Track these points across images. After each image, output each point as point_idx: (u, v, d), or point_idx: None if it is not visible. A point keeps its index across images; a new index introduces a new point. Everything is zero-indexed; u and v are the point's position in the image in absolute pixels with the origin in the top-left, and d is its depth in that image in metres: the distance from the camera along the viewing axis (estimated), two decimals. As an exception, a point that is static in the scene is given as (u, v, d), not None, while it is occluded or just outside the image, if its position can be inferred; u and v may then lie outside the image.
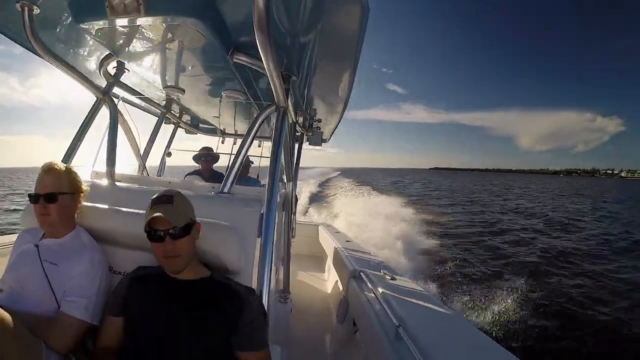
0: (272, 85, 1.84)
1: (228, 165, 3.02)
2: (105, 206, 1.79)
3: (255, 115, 2.28)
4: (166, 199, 1.40)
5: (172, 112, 3.87)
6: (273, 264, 1.98)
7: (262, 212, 1.82)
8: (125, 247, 1.67)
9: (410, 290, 2.94)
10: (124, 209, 1.74)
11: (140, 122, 3.50)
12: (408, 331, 1.90)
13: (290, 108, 2.35)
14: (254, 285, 1.64)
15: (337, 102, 3.14)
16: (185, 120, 4.38)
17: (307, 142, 4.63)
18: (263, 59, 1.50)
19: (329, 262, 4.67)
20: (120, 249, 1.68)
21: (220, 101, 3.03)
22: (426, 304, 2.66)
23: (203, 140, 4.86)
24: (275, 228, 2.69)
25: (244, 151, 2.10)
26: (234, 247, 1.61)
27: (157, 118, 3.73)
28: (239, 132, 4.64)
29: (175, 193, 1.43)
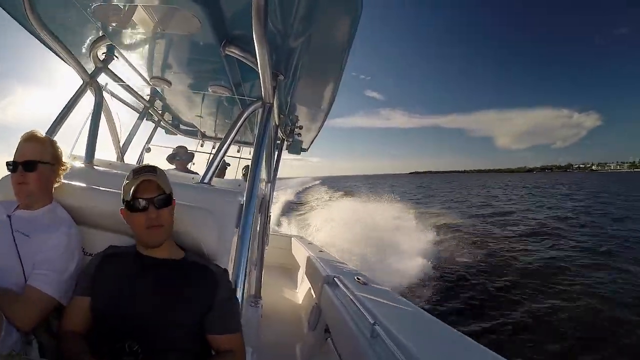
0: (261, 80, 1.90)
1: (208, 161, 3.04)
2: (84, 184, 1.76)
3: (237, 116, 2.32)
4: (150, 168, 1.39)
5: (155, 108, 3.87)
6: (249, 261, 2.00)
7: (241, 202, 1.82)
8: (100, 228, 1.63)
9: (384, 293, 3.01)
10: (102, 188, 1.70)
11: (122, 118, 3.52)
12: (384, 328, 1.89)
13: (275, 108, 2.42)
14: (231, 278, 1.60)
15: (320, 109, 3.24)
16: (167, 120, 4.38)
17: (287, 151, 4.71)
18: (257, 51, 1.57)
19: (302, 273, 4.65)
20: (95, 231, 1.63)
21: (204, 98, 3.08)
22: (400, 305, 2.74)
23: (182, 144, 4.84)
24: (252, 232, 2.73)
25: (227, 143, 2.13)
26: (211, 232, 1.58)
27: (139, 114, 3.71)
28: (219, 136, 4.65)
29: (156, 166, 1.44)
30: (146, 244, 1.36)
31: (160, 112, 4.05)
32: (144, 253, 1.37)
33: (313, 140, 4.48)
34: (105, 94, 2.78)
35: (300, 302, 4.47)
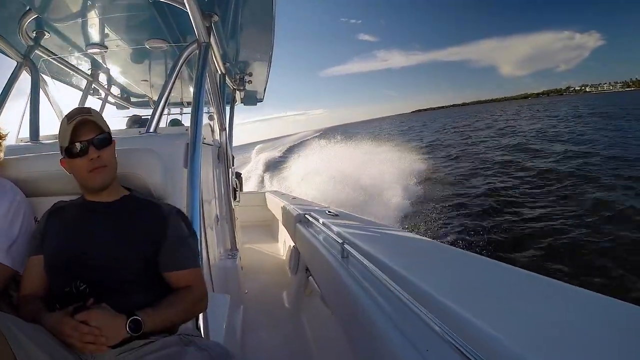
0: (192, 21, 1.95)
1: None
2: (28, 155, 1.72)
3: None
4: (84, 109, 1.32)
5: (100, 82, 3.80)
6: (205, 202, 2.08)
7: (187, 142, 1.80)
8: (52, 194, 1.57)
9: (355, 219, 3.19)
10: (47, 153, 1.68)
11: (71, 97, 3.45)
12: (354, 246, 1.90)
13: (214, 48, 2.46)
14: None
15: (263, 53, 3.29)
16: (115, 94, 4.31)
17: (242, 103, 4.76)
18: None
19: (280, 226, 4.68)
20: (46, 198, 1.56)
21: (145, 59, 3.06)
22: (371, 227, 2.91)
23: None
24: (214, 184, 2.81)
25: (168, 89, 2.13)
26: (157, 170, 1.55)
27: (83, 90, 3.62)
28: (172, 101, 4.59)
29: (89, 107, 1.40)
30: (92, 188, 1.31)
31: (106, 86, 3.98)
32: (89, 199, 1.33)
33: (266, 87, 4.51)
34: (46, 76, 2.76)
35: (281, 252, 4.58)
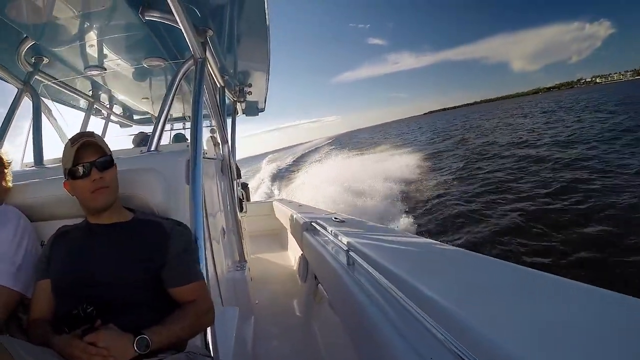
0: (186, 38, 1.96)
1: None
2: (33, 180, 1.75)
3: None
4: (86, 133, 1.35)
5: (102, 102, 3.84)
6: (210, 215, 2.07)
7: (188, 159, 1.81)
8: (56, 217, 1.60)
9: (361, 225, 3.18)
10: (52, 177, 1.69)
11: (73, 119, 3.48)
12: (360, 253, 1.91)
13: (211, 62, 2.47)
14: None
15: (260, 63, 3.30)
16: (117, 113, 4.35)
17: (244, 114, 4.78)
18: (172, 7, 1.62)
19: (288, 234, 4.65)
20: (52, 222, 1.59)
21: (144, 77, 3.09)
22: (376, 232, 2.89)
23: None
24: (219, 198, 2.82)
25: (167, 105, 2.15)
26: (159, 189, 1.56)
27: (85, 111, 3.67)
28: (174, 116, 4.64)
29: (92, 131, 1.42)
30: (94, 209, 1.33)
31: (107, 105, 4.02)
32: (92, 222, 1.36)
33: (266, 96, 4.53)
34: (47, 99, 2.79)
35: (291, 261, 4.56)
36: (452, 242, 7.33)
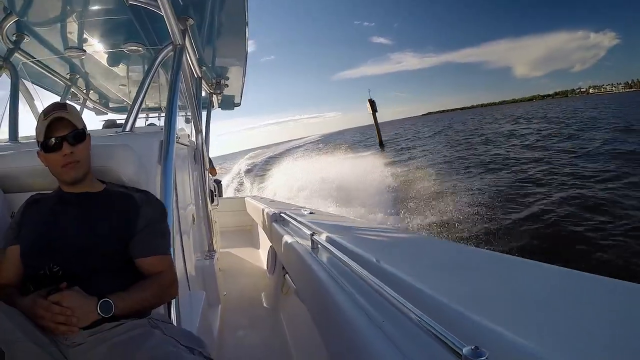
0: (167, 23, 2.05)
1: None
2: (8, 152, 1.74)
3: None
4: (60, 105, 1.35)
5: (78, 87, 3.87)
6: (181, 201, 2.11)
7: (161, 139, 1.87)
8: (30, 189, 1.57)
9: (329, 216, 3.30)
10: (25, 149, 1.68)
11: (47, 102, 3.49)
12: (324, 237, 1.97)
13: (190, 51, 2.58)
14: None
15: (237, 56, 3.44)
16: (94, 99, 4.38)
17: (220, 108, 4.89)
18: None
19: (260, 230, 4.68)
20: (27, 194, 1.53)
21: (123, 63, 3.15)
22: (342, 221, 3.04)
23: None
24: (191, 185, 2.90)
25: (143, 91, 2.21)
26: (131, 164, 1.60)
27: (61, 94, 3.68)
28: (150, 106, 4.67)
29: (66, 102, 1.45)
30: (65, 182, 1.36)
31: (84, 91, 4.05)
32: (65, 191, 1.38)
33: (242, 91, 4.64)
34: (26, 82, 2.83)
35: (261, 256, 4.59)
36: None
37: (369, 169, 14.83)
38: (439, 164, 18.23)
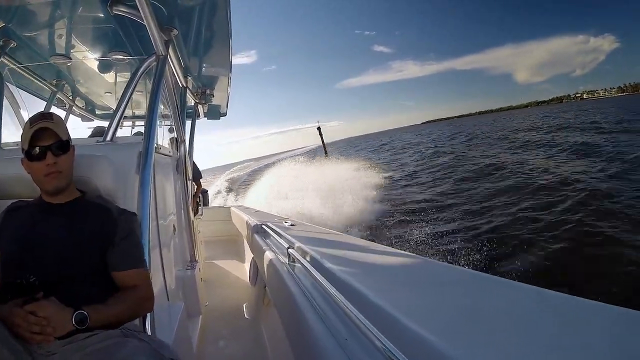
0: (150, 34, 2.11)
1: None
2: None
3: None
4: (46, 115, 1.39)
5: (65, 94, 3.90)
6: (161, 210, 2.13)
7: (140, 150, 1.87)
8: (12, 196, 1.56)
9: (309, 228, 3.32)
10: (8, 156, 1.68)
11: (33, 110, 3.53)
12: (300, 251, 1.98)
13: (175, 61, 2.64)
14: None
15: (222, 66, 3.51)
16: (80, 106, 4.40)
17: (206, 118, 4.96)
18: (139, 6, 1.80)
19: (244, 240, 4.59)
20: (7, 201, 1.53)
21: (109, 70, 3.20)
22: (321, 234, 3.03)
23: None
24: (175, 195, 2.93)
25: (125, 100, 2.24)
26: (108, 175, 1.62)
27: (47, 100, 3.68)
28: (137, 114, 4.71)
29: (52, 112, 1.49)
30: (47, 191, 1.38)
31: (70, 97, 4.08)
32: (46, 200, 1.40)
33: (228, 101, 4.69)
34: (11, 86, 2.85)
35: (245, 267, 4.56)
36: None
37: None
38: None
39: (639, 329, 0.87)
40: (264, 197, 14.07)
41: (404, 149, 39.75)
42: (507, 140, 27.24)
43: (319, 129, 39.97)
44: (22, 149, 1.34)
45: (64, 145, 1.36)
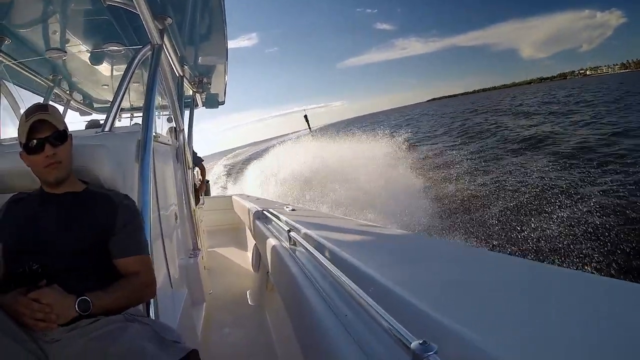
0: (144, 23, 2.09)
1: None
2: None
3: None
4: (43, 106, 1.38)
5: (62, 88, 3.89)
6: (162, 199, 2.16)
7: (139, 139, 1.87)
8: (13, 190, 1.55)
9: (310, 212, 3.37)
10: (7, 150, 1.70)
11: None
12: (301, 234, 1.98)
13: (171, 51, 2.63)
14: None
15: (219, 54, 3.49)
16: (77, 100, 4.39)
17: (204, 107, 4.95)
18: None
19: (246, 228, 4.66)
20: (7, 195, 1.54)
21: (105, 63, 3.18)
22: (322, 217, 3.09)
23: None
24: (175, 184, 2.94)
25: (122, 91, 2.22)
26: (108, 164, 1.62)
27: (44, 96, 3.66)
28: (134, 106, 4.68)
29: (48, 104, 1.50)
30: (48, 182, 1.39)
31: (68, 92, 4.07)
32: (47, 191, 1.41)
33: (225, 92, 4.70)
34: (8, 83, 2.85)
35: (248, 255, 4.59)
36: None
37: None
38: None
39: (633, 300, 0.89)
40: (274, 184, 13.12)
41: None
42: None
43: (305, 117, 40.19)
44: (20, 143, 1.35)
45: (62, 135, 1.36)
